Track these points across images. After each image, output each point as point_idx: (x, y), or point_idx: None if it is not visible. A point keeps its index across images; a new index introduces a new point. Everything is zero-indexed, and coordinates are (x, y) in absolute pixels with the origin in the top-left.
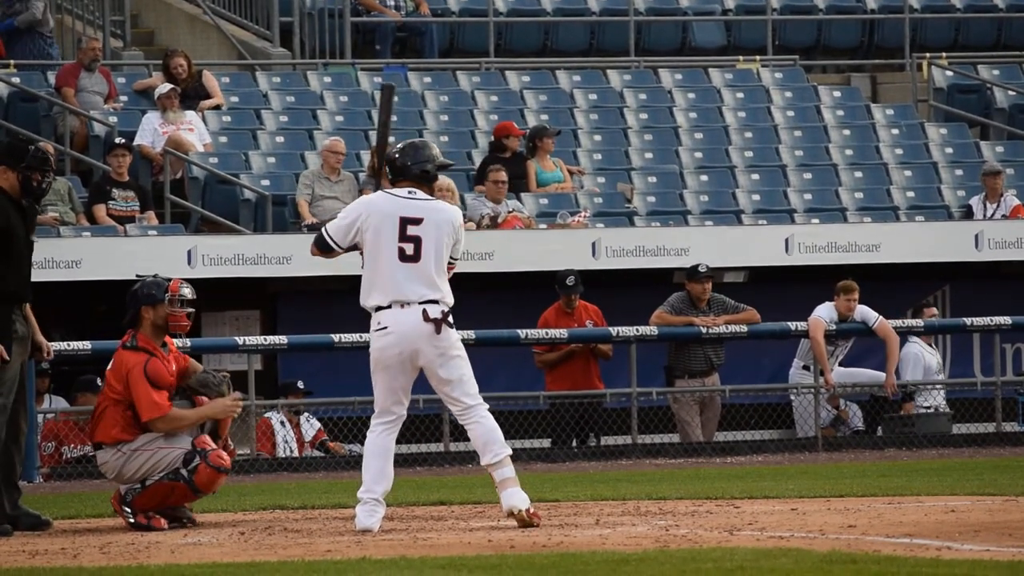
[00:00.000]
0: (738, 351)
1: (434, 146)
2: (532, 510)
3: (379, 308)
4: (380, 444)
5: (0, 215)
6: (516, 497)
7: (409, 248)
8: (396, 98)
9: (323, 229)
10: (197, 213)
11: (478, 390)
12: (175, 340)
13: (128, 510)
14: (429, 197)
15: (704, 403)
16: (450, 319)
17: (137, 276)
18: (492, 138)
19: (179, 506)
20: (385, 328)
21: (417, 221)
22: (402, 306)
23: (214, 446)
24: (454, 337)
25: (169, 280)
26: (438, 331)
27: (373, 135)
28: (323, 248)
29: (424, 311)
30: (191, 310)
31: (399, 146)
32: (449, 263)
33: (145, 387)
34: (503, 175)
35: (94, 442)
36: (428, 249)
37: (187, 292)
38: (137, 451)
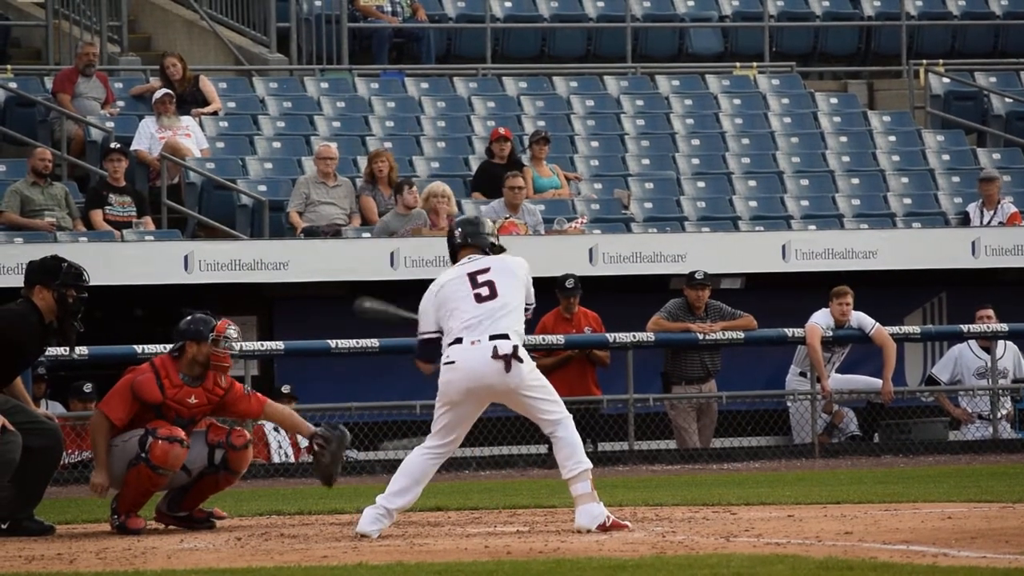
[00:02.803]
0: (735, 358)
1: (488, 221)
2: (608, 522)
3: (451, 343)
4: (420, 467)
5: (24, 331)
6: (584, 517)
7: (484, 291)
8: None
9: (417, 338)
10: (194, 218)
11: (560, 405)
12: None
13: (182, 514)
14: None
15: (701, 409)
16: (520, 354)
17: (184, 311)
18: (488, 144)
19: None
20: (453, 363)
21: (485, 270)
22: (472, 343)
23: (173, 435)
24: (526, 369)
25: (218, 319)
26: (508, 369)
27: (370, 140)
28: (427, 353)
29: (495, 348)
30: (235, 351)
31: (458, 222)
32: (530, 311)
33: (119, 389)
34: (520, 181)
35: None
36: (503, 287)
37: (232, 333)
38: (115, 447)
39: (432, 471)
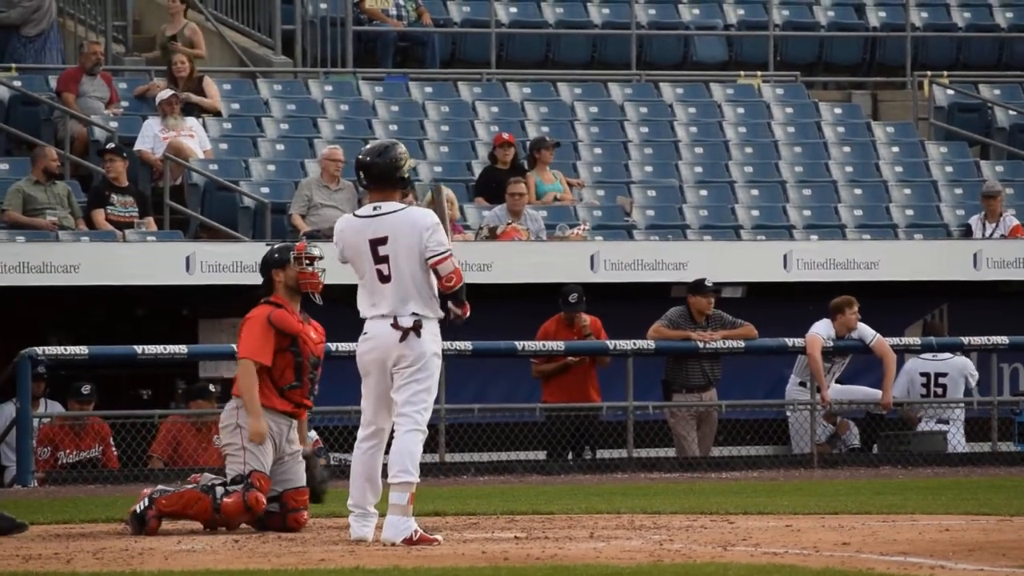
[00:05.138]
0: (735, 367)
1: (400, 144)
2: (415, 536)
3: (367, 318)
4: (367, 464)
5: None
6: (389, 529)
7: (384, 269)
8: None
9: None
10: (196, 219)
11: (422, 415)
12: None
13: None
14: (396, 207)
15: (701, 418)
16: (421, 330)
17: (267, 244)
18: (491, 149)
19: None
20: (366, 334)
21: (383, 240)
22: (382, 315)
23: (260, 488)
24: (427, 351)
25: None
26: (402, 339)
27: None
28: None
29: (395, 319)
30: (322, 268)
31: (366, 152)
32: (437, 257)
33: (255, 331)
34: (522, 187)
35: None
36: (399, 266)
37: (315, 251)
38: (239, 428)
39: (380, 463)
